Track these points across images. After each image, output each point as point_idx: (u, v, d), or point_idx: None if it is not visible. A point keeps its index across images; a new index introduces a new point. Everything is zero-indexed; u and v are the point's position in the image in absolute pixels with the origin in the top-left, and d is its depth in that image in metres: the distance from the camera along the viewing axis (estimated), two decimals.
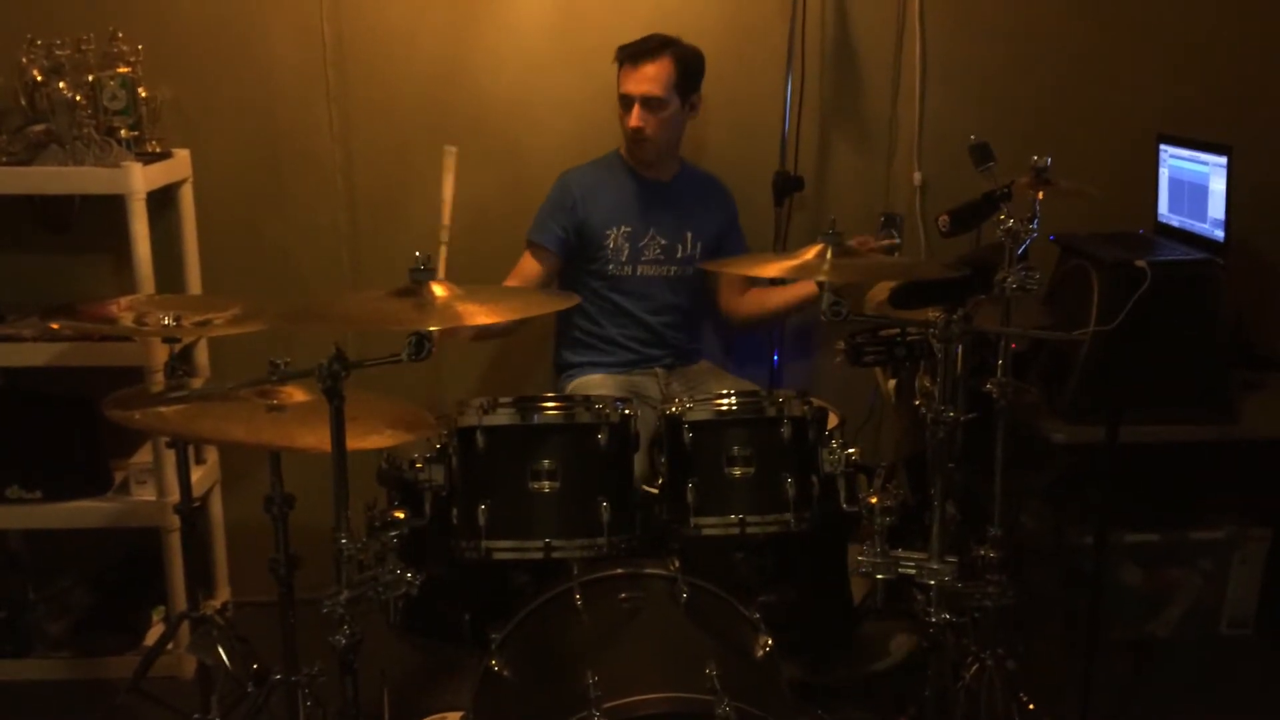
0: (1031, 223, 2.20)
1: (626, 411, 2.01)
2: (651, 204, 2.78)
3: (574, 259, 2.77)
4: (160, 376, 2.43)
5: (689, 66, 2.70)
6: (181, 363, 2.37)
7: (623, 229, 2.74)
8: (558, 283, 2.82)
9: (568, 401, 2.00)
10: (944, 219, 2.19)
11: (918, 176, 3.07)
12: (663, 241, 2.77)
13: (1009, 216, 2.10)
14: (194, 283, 2.96)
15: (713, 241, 2.85)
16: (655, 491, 2.11)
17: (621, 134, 2.76)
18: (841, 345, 2.17)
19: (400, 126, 2.98)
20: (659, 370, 2.81)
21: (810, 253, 1.92)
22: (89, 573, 2.99)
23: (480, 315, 1.70)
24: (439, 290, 1.75)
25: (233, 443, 2.33)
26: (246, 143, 2.96)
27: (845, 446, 2.04)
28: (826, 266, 1.85)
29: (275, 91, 2.94)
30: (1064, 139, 2.97)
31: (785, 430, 1.98)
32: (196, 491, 2.85)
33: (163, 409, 1.96)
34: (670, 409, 2.03)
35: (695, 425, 1.99)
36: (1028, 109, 3.03)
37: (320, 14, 2.90)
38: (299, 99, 2.95)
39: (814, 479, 2.05)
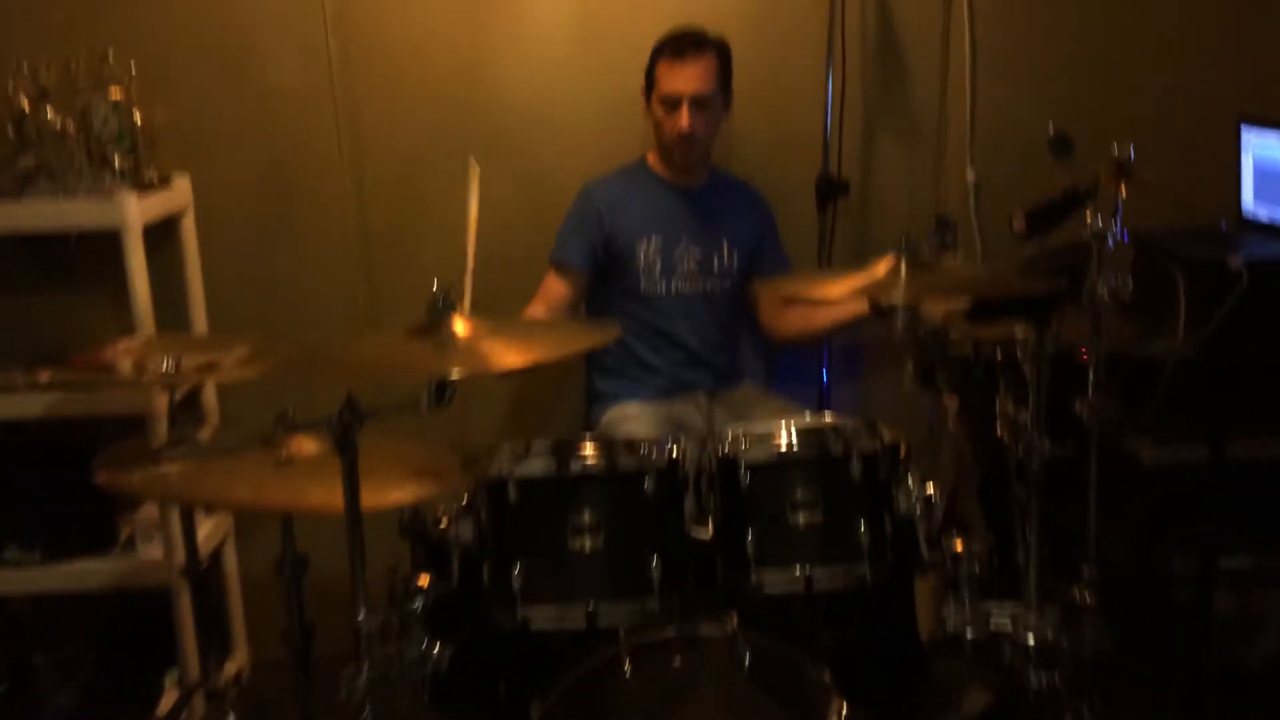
0: (1114, 221, 1.98)
1: (674, 452, 1.78)
2: (683, 213, 2.57)
3: (602, 277, 2.56)
4: (164, 426, 2.23)
5: (728, 60, 2.51)
6: (184, 410, 2.17)
7: (654, 241, 2.53)
8: (584, 305, 2.62)
9: (607, 446, 1.78)
10: (1019, 220, 1.95)
11: (971, 175, 2.83)
12: (698, 253, 2.56)
13: (1095, 215, 1.88)
14: (199, 320, 2.77)
15: (751, 251, 2.63)
16: (705, 535, 1.89)
17: (655, 139, 2.55)
18: (910, 368, 1.94)
19: (414, 145, 2.78)
20: (701, 396, 2.59)
21: (881, 268, 1.69)
22: (98, 635, 2.80)
23: (510, 356, 1.48)
24: (461, 327, 1.54)
25: (238, 505, 2.11)
26: (250, 167, 2.77)
27: (922, 482, 1.81)
28: (902, 284, 1.62)
29: (279, 110, 2.75)
30: (1132, 126, 2.69)
31: (855, 468, 1.76)
32: (208, 546, 2.67)
33: (161, 469, 1.76)
34: (724, 448, 1.80)
35: (754, 467, 1.76)
36: (1090, 95, 2.79)
37: (325, 28, 2.70)
38: (305, 118, 2.75)
39: (887, 519, 1.82)
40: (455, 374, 1.40)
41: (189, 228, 2.73)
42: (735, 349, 2.70)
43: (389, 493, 1.73)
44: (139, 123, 2.55)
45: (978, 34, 2.77)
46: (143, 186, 2.51)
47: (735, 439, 1.80)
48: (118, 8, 2.67)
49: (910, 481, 1.81)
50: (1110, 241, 1.93)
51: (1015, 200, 2.80)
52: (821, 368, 2.83)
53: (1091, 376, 1.86)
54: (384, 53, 2.73)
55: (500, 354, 1.49)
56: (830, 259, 2.80)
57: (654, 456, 1.75)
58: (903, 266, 1.67)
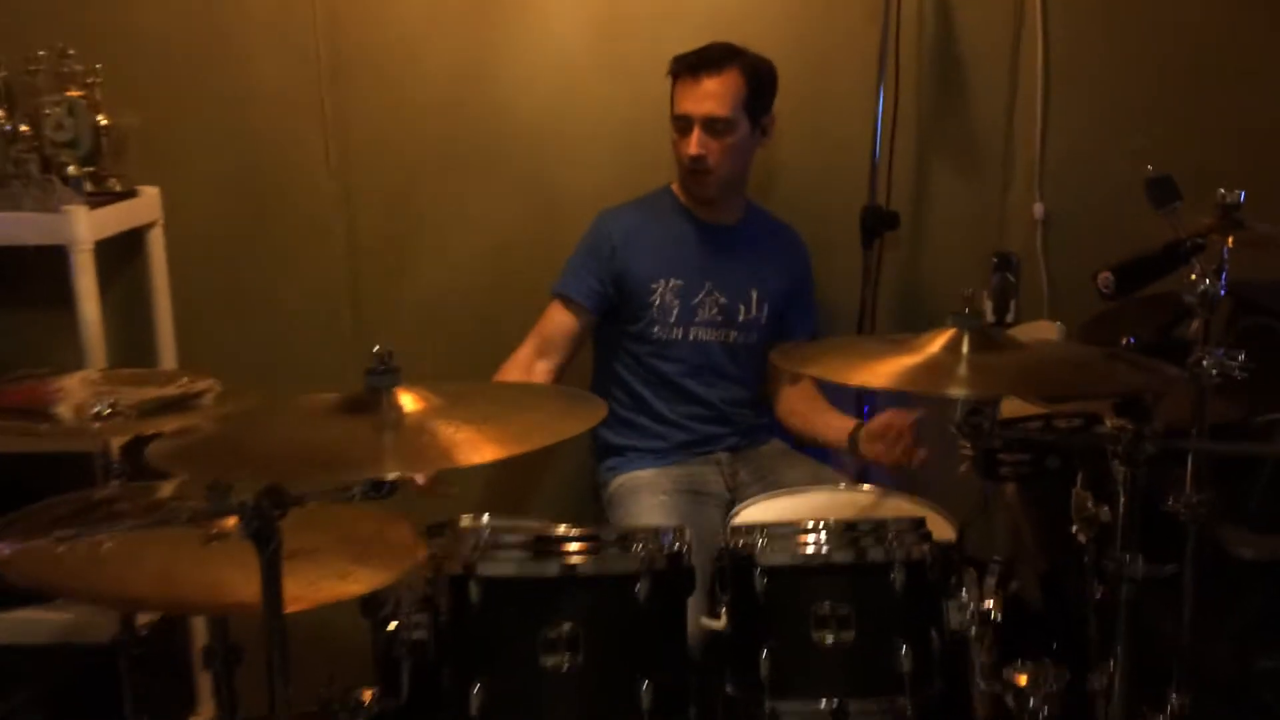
0: (1220, 277, 1.65)
1: (676, 547, 1.47)
2: (710, 253, 2.24)
3: (611, 318, 2.25)
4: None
5: (760, 80, 2.16)
6: (128, 461, 1.88)
7: (672, 283, 2.21)
8: (591, 344, 2.31)
9: (594, 539, 1.46)
10: (1106, 277, 1.62)
11: (1039, 209, 2.50)
12: (721, 300, 2.23)
13: (1201, 276, 1.54)
14: (166, 343, 2.48)
15: (780, 303, 2.30)
16: (719, 627, 1.57)
17: (675, 165, 2.23)
18: (968, 450, 1.61)
19: (409, 156, 2.48)
20: (721, 455, 2.27)
21: (936, 343, 1.36)
22: (44, 689, 2.52)
23: (466, 446, 1.16)
24: (408, 401, 1.23)
25: (139, 605, 1.81)
26: (228, 178, 2.48)
27: (982, 595, 1.47)
28: (963, 368, 1.29)
29: (262, 117, 2.45)
30: (1231, 162, 2.37)
31: (897, 579, 1.43)
32: None
33: (58, 547, 1.47)
34: (738, 543, 1.48)
35: (772, 572, 1.44)
36: (1183, 125, 2.43)
37: (314, 27, 2.41)
38: (289, 126, 2.46)
39: (934, 637, 1.49)
40: (389, 475, 1.09)
41: (157, 242, 2.45)
42: (762, 405, 2.36)
43: (326, 585, 1.43)
44: (103, 127, 2.29)
45: (1052, 50, 2.44)
46: (100, 197, 2.25)
47: (751, 534, 1.47)
48: (87, 4, 2.40)
49: (965, 593, 1.48)
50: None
51: (1089, 238, 2.49)
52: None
53: (1191, 468, 1.52)
54: (379, 55, 2.44)
55: (453, 443, 1.17)
56: (875, 300, 2.47)
57: (651, 553, 1.43)
58: (965, 341, 1.32)
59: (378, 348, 1.24)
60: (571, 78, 2.46)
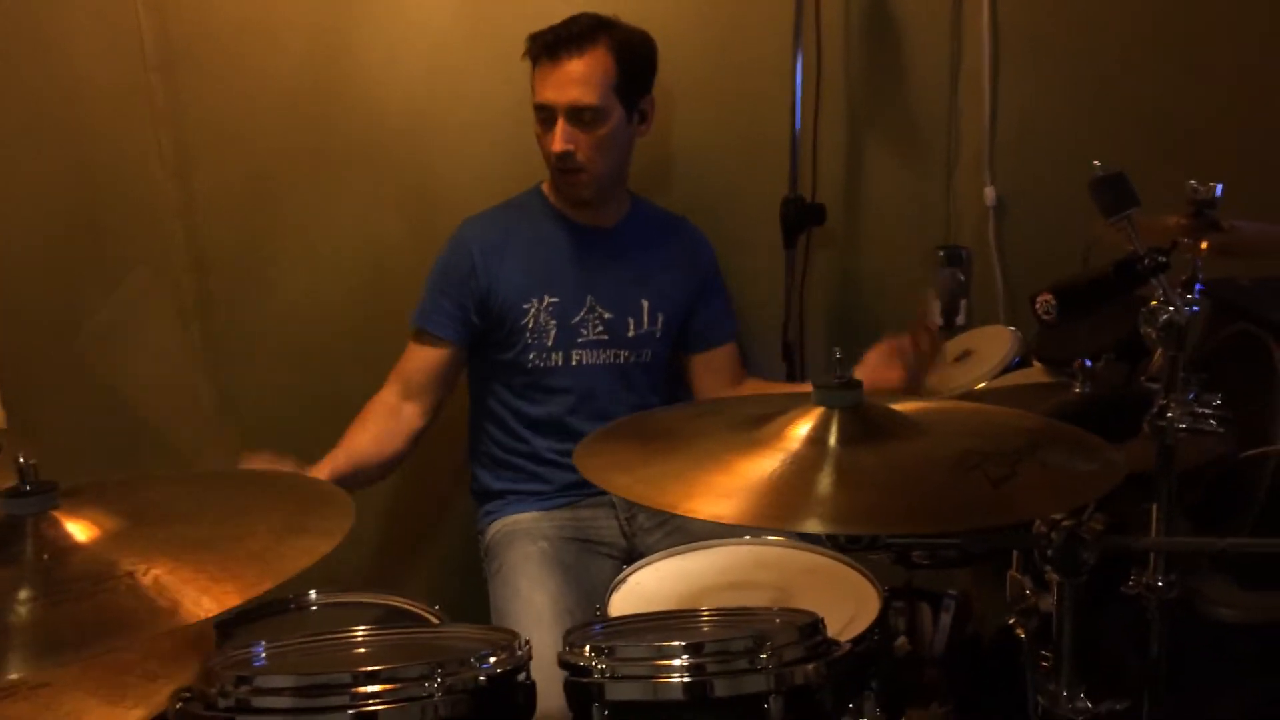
0: (1192, 293, 1.35)
1: (499, 670, 1.13)
2: (589, 261, 1.91)
3: (482, 342, 1.91)
4: None
5: (634, 58, 1.82)
6: None
7: (547, 300, 1.87)
8: (466, 375, 1.98)
9: (393, 679, 1.11)
10: (1047, 300, 1.29)
11: (990, 194, 2.17)
12: (607, 315, 1.90)
13: (1165, 301, 1.22)
14: None
15: (681, 310, 1.97)
16: None
17: (544, 162, 1.89)
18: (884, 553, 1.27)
19: (258, 153, 2.14)
20: (616, 499, 1.95)
21: (800, 429, 1.01)
22: None
23: (176, 600, 0.82)
24: (75, 530, 0.88)
25: None
26: (43, 182, 2.13)
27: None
28: (826, 480, 0.95)
29: (80, 111, 2.11)
30: (1209, 146, 2.04)
31: (773, 711, 1.10)
32: None
33: None
34: (576, 662, 1.16)
35: (616, 708, 1.11)
36: (1155, 99, 2.09)
37: (135, 3, 2.06)
38: (114, 121, 2.11)
39: None
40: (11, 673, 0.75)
41: None
42: None
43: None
44: None
45: (1001, 9, 2.09)
46: None
47: (594, 654, 1.15)
48: None
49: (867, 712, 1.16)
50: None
51: (1049, 226, 2.16)
52: None
53: (1153, 561, 1.19)
54: (217, 34, 2.09)
55: (137, 600, 0.82)
56: (803, 309, 2.15)
57: (454, 682, 1.10)
58: (832, 435, 0.97)
59: (22, 458, 0.89)
60: (444, 61, 2.12)
